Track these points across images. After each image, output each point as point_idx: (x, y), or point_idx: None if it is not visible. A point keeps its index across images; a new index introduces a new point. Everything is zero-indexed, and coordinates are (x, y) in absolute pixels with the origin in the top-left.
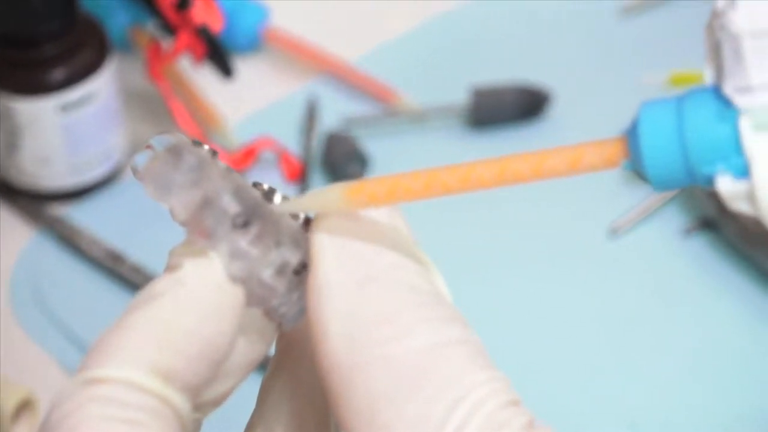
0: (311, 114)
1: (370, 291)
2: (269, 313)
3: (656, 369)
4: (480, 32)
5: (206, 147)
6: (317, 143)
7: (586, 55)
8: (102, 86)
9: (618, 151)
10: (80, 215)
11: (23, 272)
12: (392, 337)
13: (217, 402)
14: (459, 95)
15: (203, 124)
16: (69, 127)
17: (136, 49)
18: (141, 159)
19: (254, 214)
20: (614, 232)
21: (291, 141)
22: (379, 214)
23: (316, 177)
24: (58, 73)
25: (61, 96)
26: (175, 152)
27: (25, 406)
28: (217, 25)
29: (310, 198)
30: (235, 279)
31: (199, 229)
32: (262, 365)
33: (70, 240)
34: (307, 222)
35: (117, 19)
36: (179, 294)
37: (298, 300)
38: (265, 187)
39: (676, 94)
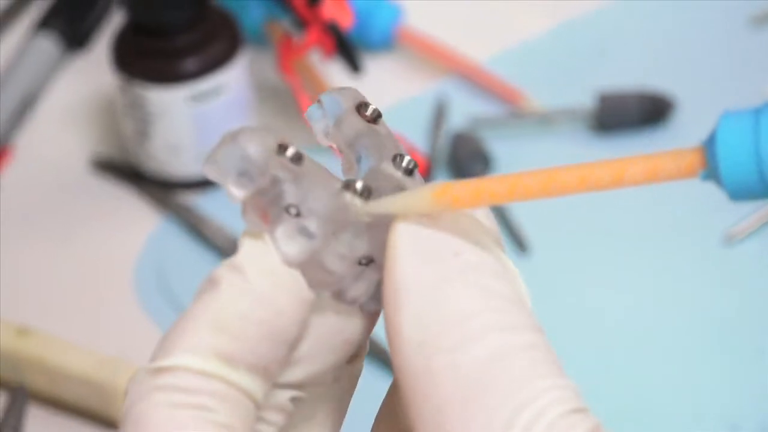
0: (439, 113)
1: (444, 294)
2: (338, 297)
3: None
4: (609, 37)
5: (372, 107)
6: (444, 142)
7: (714, 63)
8: (233, 78)
9: (695, 161)
10: (207, 204)
11: (149, 257)
12: (460, 343)
13: (318, 380)
14: (585, 99)
15: None
16: (199, 117)
17: (271, 43)
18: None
19: (312, 204)
20: (730, 240)
21: (418, 138)
22: (464, 211)
23: (441, 175)
24: (189, 64)
25: (193, 86)
26: (232, 138)
27: None
28: (346, 21)
29: (399, 199)
30: (289, 262)
31: (258, 213)
32: None
33: (196, 228)
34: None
35: (253, 13)
36: (233, 279)
37: (368, 288)
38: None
39: (755, 107)
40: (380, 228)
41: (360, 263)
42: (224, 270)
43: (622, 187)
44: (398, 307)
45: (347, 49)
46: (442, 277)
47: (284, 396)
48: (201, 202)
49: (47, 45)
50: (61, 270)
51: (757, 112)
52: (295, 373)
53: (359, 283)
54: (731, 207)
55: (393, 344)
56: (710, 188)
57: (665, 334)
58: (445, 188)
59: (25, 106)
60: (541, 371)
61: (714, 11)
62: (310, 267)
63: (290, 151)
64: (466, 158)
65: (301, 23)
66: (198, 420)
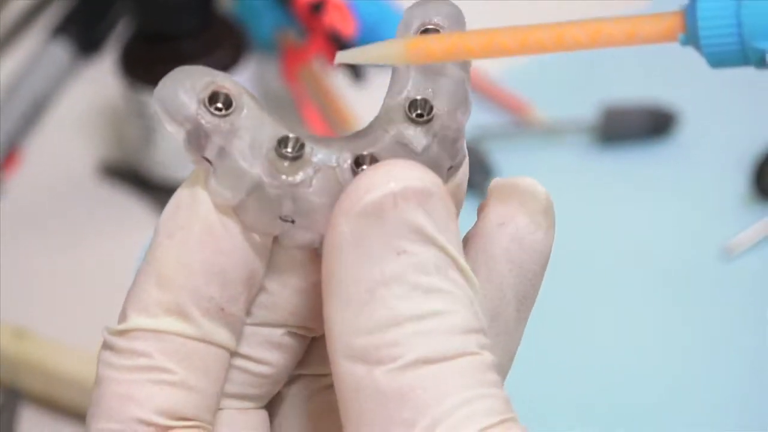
0: None
1: (379, 297)
2: (276, 242)
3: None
4: (615, 51)
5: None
6: None
7: (718, 77)
8: None
9: (675, 25)
10: None
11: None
12: (386, 354)
13: (308, 322)
14: (590, 112)
15: (336, 127)
16: None
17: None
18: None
19: (235, 154)
20: (729, 254)
21: None
22: (412, 204)
23: None
24: None
25: None
26: (167, 78)
27: None
28: (347, 30)
29: (372, 49)
30: (220, 205)
31: (197, 152)
32: None
33: None
34: (360, 161)
35: (265, 22)
36: (171, 228)
37: (311, 239)
38: (290, 137)
39: None
40: (305, 198)
41: (284, 220)
42: (160, 220)
43: (599, 47)
44: (332, 305)
45: None
46: (380, 278)
47: (275, 333)
48: None
49: (59, 51)
50: (64, 274)
51: None
52: (275, 314)
53: (293, 233)
54: (730, 218)
55: (328, 342)
56: (708, 198)
57: (662, 348)
58: (419, 41)
59: (36, 111)
60: (465, 381)
61: None
62: (242, 211)
63: (220, 100)
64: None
65: (306, 32)
66: (151, 383)
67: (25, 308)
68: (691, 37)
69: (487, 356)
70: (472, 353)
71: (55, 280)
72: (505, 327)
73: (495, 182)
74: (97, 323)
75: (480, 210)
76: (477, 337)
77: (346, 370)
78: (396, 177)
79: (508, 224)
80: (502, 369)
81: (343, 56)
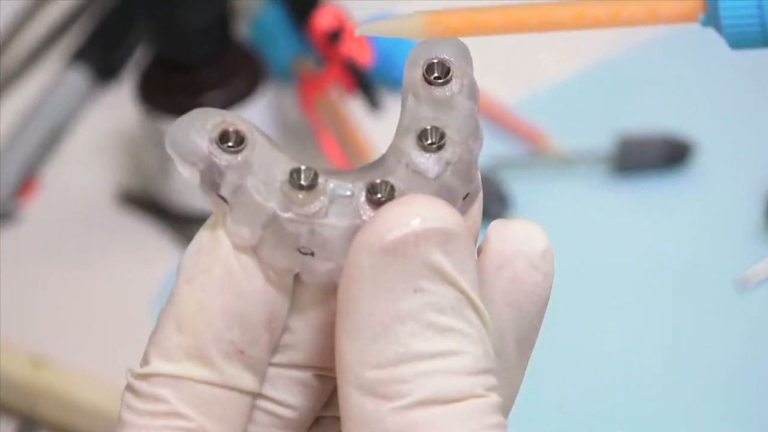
0: None
1: (393, 333)
2: (297, 279)
3: None
4: (632, 81)
5: (442, 69)
6: None
7: (735, 107)
8: (255, 114)
9: (696, 5)
10: None
11: (169, 291)
12: (396, 390)
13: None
14: (606, 142)
15: (353, 156)
16: None
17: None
18: None
19: (250, 191)
20: (744, 284)
21: None
22: (432, 243)
23: None
24: (211, 98)
25: None
26: (180, 120)
27: None
28: (365, 59)
29: (390, 23)
30: (239, 246)
31: (213, 193)
32: None
33: None
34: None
35: (282, 51)
36: (191, 272)
37: (331, 273)
38: (303, 168)
39: None
40: (322, 228)
41: (303, 252)
42: (181, 263)
43: (619, 25)
44: (344, 335)
45: (366, 86)
46: (395, 314)
47: (300, 375)
48: None
49: (77, 78)
50: (81, 301)
51: None
52: (299, 354)
53: (313, 266)
54: (745, 249)
55: (339, 375)
56: (724, 229)
57: (676, 380)
58: (438, 15)
59: (53, 138)
60: (471, 425)
61: (735, 56)
62: (261, 249)
63: (232, 138)
64: (483, 198)
65: (323, 60)
66: (169, 430)
67: (42, 336)
68: (711, 18)
69: (494, 398)
70: (479, 395)
71: (73, 308)
72: (506, 367)
73: (493, 224)
74: (115, 351)
75: (479, 252)
76: (485, 378)
77: (355, 403)
78: (419, 215)
79: (506, 268)
80: (506, 408)
81: (363, 28)
